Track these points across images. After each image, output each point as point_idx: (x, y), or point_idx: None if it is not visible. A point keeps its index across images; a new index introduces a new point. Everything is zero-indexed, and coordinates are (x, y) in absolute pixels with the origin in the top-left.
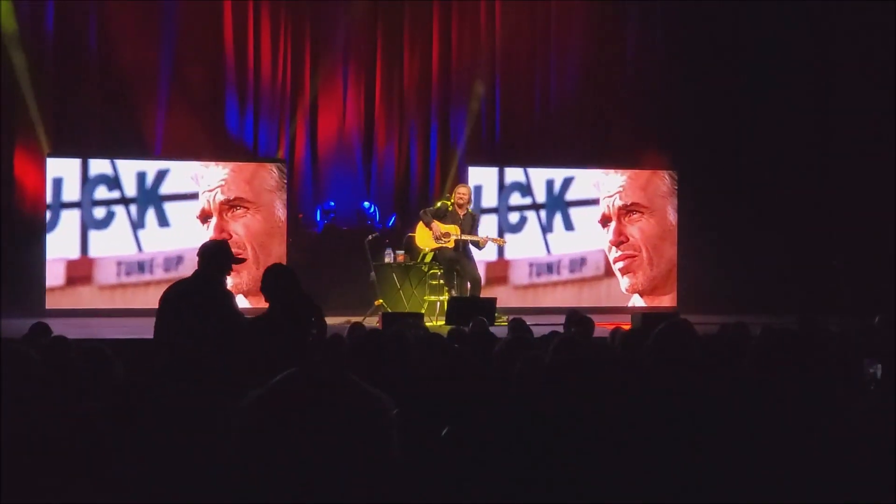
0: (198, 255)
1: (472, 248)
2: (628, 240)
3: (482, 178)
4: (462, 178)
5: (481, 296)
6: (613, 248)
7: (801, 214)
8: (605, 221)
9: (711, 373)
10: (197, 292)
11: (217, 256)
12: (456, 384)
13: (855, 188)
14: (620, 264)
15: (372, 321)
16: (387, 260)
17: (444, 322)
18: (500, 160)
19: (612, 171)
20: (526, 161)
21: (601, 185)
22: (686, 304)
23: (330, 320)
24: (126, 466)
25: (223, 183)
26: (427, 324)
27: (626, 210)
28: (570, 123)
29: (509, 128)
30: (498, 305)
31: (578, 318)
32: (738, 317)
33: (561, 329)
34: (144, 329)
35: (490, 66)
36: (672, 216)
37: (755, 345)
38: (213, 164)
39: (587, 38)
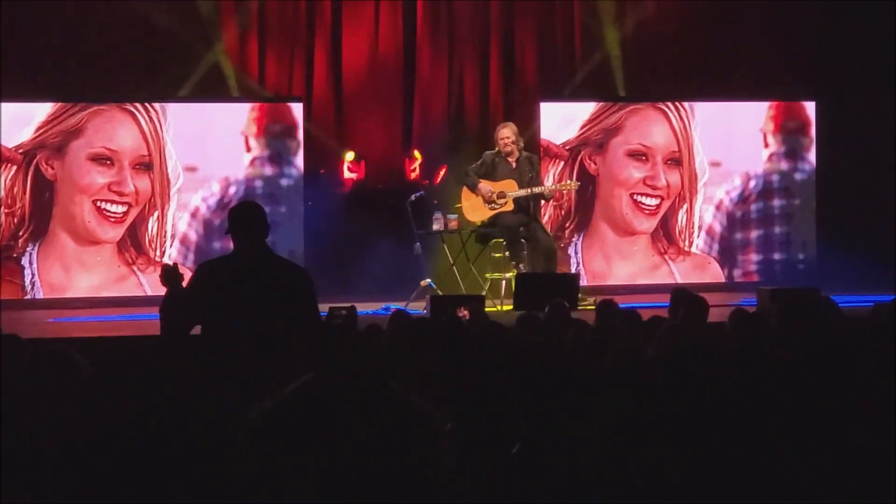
0: (239, 220)
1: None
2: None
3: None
4: (532, 117)
5: (559, 270)
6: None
7: None
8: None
9: (863, 364)
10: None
11: (263, 219)
12: (528, 388)
13: None
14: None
15: (418, 307)
16: (435, 227)
17: (511, 306)
18: (583, 93)
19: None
20: (615, 94)
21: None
22: (826, 279)
23: (363, 307)
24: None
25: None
26: (489, 308)
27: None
28: (674, 45)
29: (595, 52)
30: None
31: (688, 298)
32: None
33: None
34: (121, 325)
35: None
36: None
37: None
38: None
39: None
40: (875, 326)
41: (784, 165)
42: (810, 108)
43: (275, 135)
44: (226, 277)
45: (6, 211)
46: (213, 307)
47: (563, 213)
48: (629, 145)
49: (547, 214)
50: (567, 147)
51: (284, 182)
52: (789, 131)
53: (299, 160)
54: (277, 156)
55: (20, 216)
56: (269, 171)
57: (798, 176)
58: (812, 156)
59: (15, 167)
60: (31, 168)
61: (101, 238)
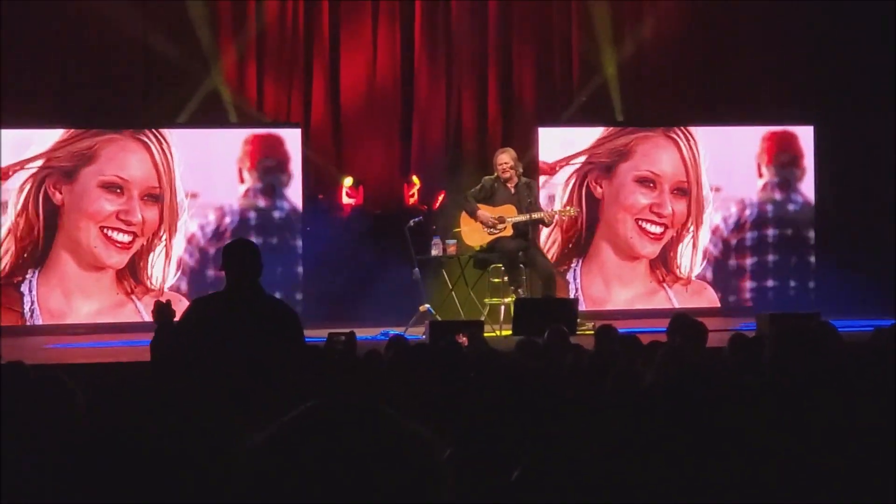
0: (231, 257)
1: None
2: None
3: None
4: (530, 142)
5: (558, 295)
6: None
7: None
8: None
9: (863, 393)
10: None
11: (255, 257)
12: (527, 412)
13: None
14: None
15: (417, 332)
16: (434, 252)
17: (510, 332)
18: (581, 118)
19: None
20: (613, 118)
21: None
22: (826, 303)
23: (361, 332)
24: None
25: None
26: (488, 334)
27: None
28: (672, 70)
29: (591, 77)
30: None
31: (687, 324)
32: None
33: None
34: (118, 351)
35: None
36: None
37: None
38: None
39: None
40: (876, 351)
41: (778, 195)
42: (806, 134)
43: (267, 168)
44: (217, 314)
45: (18, 244)
46: (203, 343)
47: (568, 240)
48: (638, 171)
49: (555, 242)
50: (571, 162)
51: (277, 214)
52: (782, 163)
53: (290, 193)
54: (270, 188)
55: (27, 242)
56: (262, 203)
57: (791, 207)
58: (804, 186)
59: (24, 193)
60: (41, 193)
61: (106, 263)
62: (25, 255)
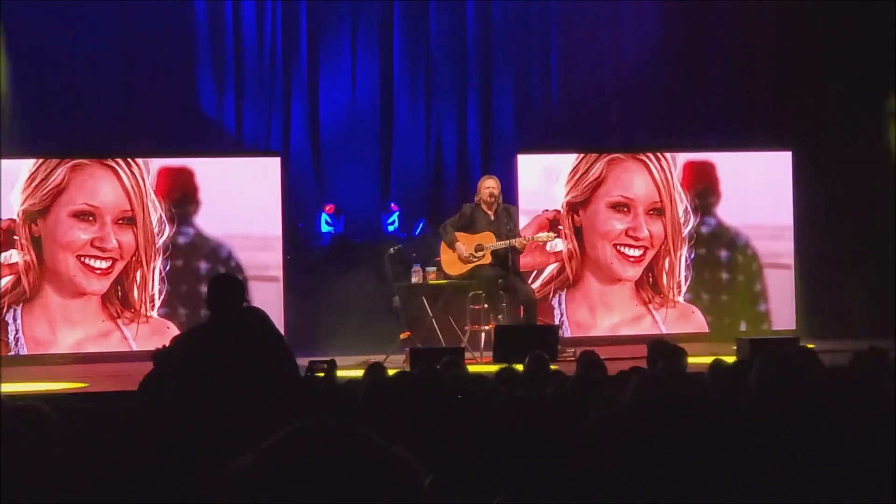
0: (212, 291)
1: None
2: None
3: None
4: (511, 168)
5: (539, 322)
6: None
7: None
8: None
9: (842, 418)
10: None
11: (234, 290)
12: (508, 440)
13: None
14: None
15: (397, 360)
16: (414, 279)
17: (491, 359)
18: (561, 145)
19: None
20: (592, 146)
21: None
22: (808, 328)
23: (342, 361)
24: None
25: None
26: (469, 361)
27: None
28: (649, 97)
29: (570, 103)
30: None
31: (667, 349)
32: (875, 342)
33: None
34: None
35: (544, 22)
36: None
37: None
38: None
39: None
40: (855, 375)
41: (695, 219)
42: (780, 157)
43: (176, 198)
44: (203, 346)
45: (15, 276)
46: (192, 373)
47: (561, 268)
48: (611, 197)
49: (555, 268)
50: (557, 207)
51: (182, 240)
52: (699, 191)
53: (197, 220)
54: (178, 215)
55: (26, 280)
56: (168, 229)
57: (704, 229)
58: (719, 210)
59: (15, 237)
60: (26, 233)
61: (88, 290)
62: (18, 289)
